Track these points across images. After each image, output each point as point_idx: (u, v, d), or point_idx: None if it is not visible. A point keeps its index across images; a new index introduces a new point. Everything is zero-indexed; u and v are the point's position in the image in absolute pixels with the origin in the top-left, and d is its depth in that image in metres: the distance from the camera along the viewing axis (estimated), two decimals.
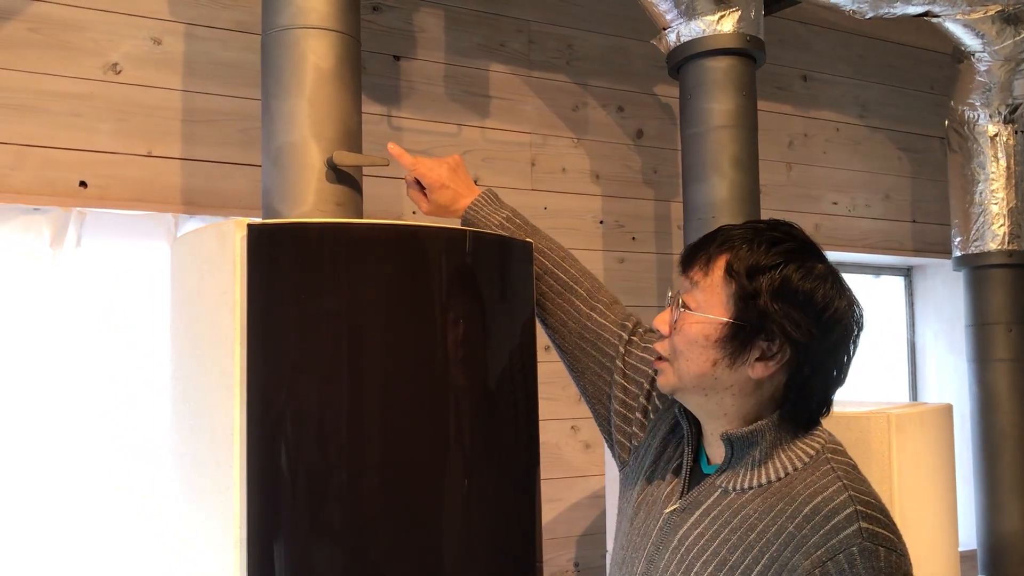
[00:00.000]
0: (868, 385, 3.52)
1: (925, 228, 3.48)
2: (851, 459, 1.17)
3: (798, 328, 1.11)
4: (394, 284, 1.35)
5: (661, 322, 1.21)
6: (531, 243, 1.52)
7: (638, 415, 1.40)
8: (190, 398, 1.42)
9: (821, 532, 1.05)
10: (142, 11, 2.12)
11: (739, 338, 1.14)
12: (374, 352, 1.33)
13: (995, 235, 2.94)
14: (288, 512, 1.29)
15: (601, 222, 2.74)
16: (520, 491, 1.50)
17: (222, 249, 1.33)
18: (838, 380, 1.18)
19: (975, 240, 2.98)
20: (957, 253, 3.04)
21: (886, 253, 3.37)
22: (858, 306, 1.17)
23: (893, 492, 1.81)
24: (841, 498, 1.07)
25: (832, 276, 1.16)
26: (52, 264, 1.98)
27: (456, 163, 1.59)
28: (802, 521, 1.07)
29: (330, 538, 1.29)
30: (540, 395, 1.59)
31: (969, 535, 3.08)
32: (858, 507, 1.06)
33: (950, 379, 3.53)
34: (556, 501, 2.53)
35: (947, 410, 2.16)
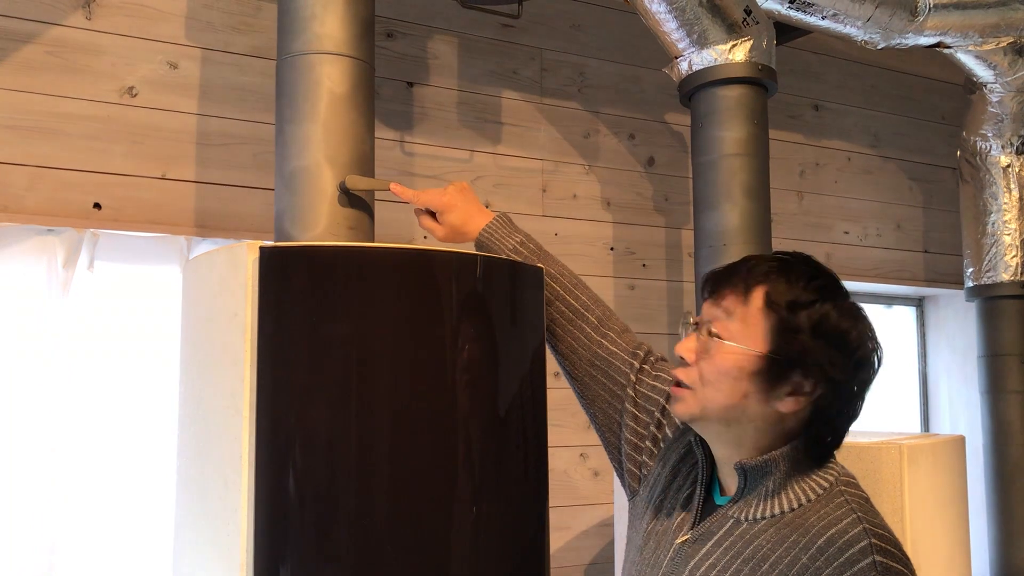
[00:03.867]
0: (879, 416, 3.49)
1: (937, 258, 3.47)
2: (864, 492, 1.16)
3: (833, 366, 1.11)
4: (405, 308, 1.35)
5: (686, 350, 1.19)
6: (542, 268, 1.52)
7: (648, 444, 1.39)
8: (199, 420, 1.42)
9: (835, 564, 1.04)
10: (159, 36, 2.14)
11: (774, 372, 1.12)
12: (384, 376, 1.33)
13: (1007, 266, 2.93)
14: (295, 537, 1.28)
15: (612, 249, 2.74)
16: (529, 518, 1.49)
17: (234, 272, 1.34)
18: (856, 417, 1.18)
19: (987, 271, 2.97)
20: (969, 284, 3.03)
21: (898, 283, 3.36)
22: (881, 345, 1.17)
23: (905, 524, 1.80)
24: (855, 531, 1.06)
25: (862, 315, 1.16)
26: (65, 285, 1.99)
27: (463, 186, 1.60)
28: (816, 553, 1.06)
29: (337, 564, 1.28)
30: (549, 422, 1.58)
31: (982, 568, 3.04)
32: (872, 540, 1.05)
33: (962, 410, 3.50)
34: (564, 529, 2.51)
35: (960, 442, 2.14)
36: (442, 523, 1.35)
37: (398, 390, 1.34)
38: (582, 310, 1.50)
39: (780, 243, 2.92)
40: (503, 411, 1.44)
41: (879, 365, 1.17)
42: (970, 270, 3.03)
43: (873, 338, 1.15)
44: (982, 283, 2.98)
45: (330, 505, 1.29)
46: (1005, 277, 2.93)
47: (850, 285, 3.28)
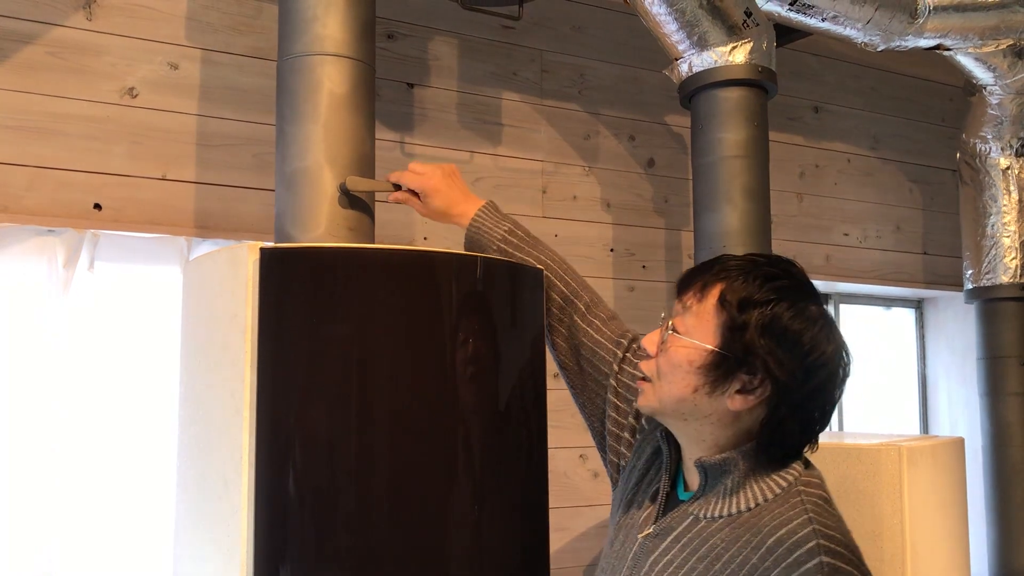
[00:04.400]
0: (879, 418, 3.49)
1: (936, 260, 3.47)
2: (826, 492, 1.15)
3: (781, 367, 1.11)
4: (404, 309, 1.35)
5: (649, 342, 1.22)
6: (541, 271, 1.53)
7: (627, 434, 1.40)
8: (199, 420, 1.42)
9: (783, 565, 1.04)
10: (159, 36, 2.14)
11: (722, 368, 1.13)
12: (384, 377, 1.33)
13: (1007, 268, 2.93)
14: (295, 536, 1.28)
15: (612, 250, 2.74)
16: (529, 519, 1.50)
17: (234, 272, 1.34)
18: (819, 422, 1.17)
19: (987, 273, 2.97)
20: (969, 286, 3.03)
21: (897, 285, 3.36)
22: (846, 352, 1.16)
23: (905, 525, 1.80)
24: (805, 531, 1.06)
25: (823, 319, 1.15)
26: (65, 285, 1.99)
27: (450, 170, 1.61)
28: (765, 553, 1.06)
29: (337, 563, 1.28)
30: (549, 423, 1.58)
31: (981, 570, 3.04)
32: (821, 541, 1.04)
33: (962, 412, 3.50)
34: (563, 530, 2.51)
35: (959, 443, 2.14)
36: (442, 523, 1.35)
37: (398, 391, 1.34)
38: (571, 296, 1.51)
39: (780, 245, 2.92)
40: (503, 411, 1.44)
41: (842, 372, 1.15)
42: (970, 272, 3.04)
43: (833, 343, 1.14)
44: (981, 285, 2.98)
45: (330, 505, 1.29)
46: (1004, 279, 2.93)
47: (849, 286, 3.32)
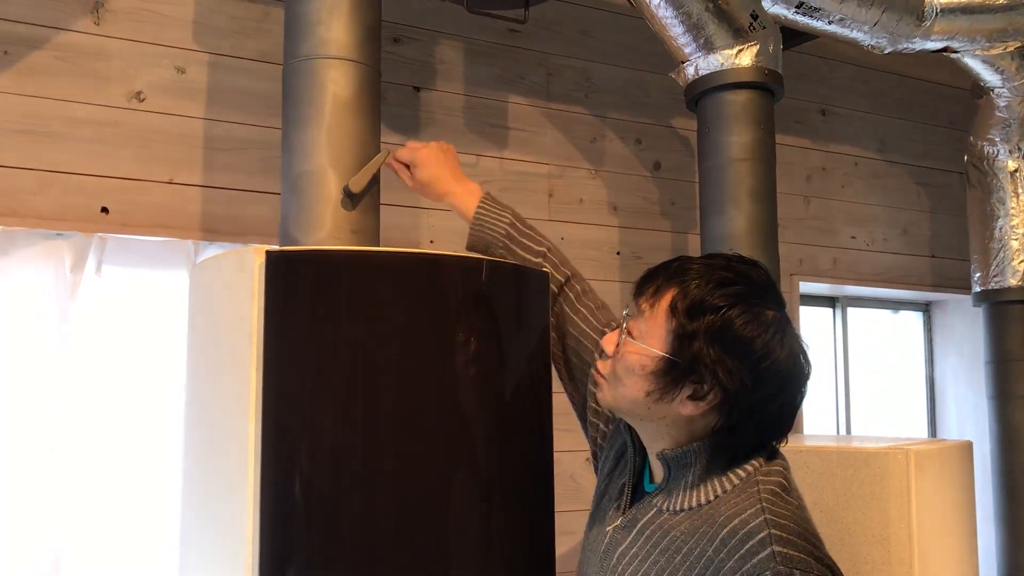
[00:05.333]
0: (886, 421, 3.48)
1: (944, 263, 3.46)
2: (786, 481, 1.14)
3: (730, 375, 1.09)
4: (410, 312, 1.35)
5: (608, 342, 1.22)
6: (547, 273, 1.52)
7: (602, 424, 1.42)
8: (205, 423, 1.43)
9: (736, 556, 1.03)
10: (167, 41, 2.15)
11: (671, 374, 1.13)
12: (389, 380, 1.33)
13: (1015, 271, 2.92)
14: (301, 541, 1.28)
15: (618, 253, 2.73)
16: (536, 522, 1.49)
17: (240, 275, 1.34)
18: (775, 428, 1.16)
19: (995, 276, 2.96)
20: (977, 289, 3.02)
21: (904, 288, 3.35)
22: (802, 358, 1.14)
23: (912, 530, 1.79)
24: (756, 522, 1.05)
25: (778, 325, 1.12)
26: (73, 289, 2.00)
27: (444, 148, 1.62)
28: (719, 545, 1.06)
29: (343, 567, 1.28)
30: (555, 426, 1.58)
31: (990, 575, 3.03)
32: (772, 531, 1.03)
33: (970, 416, 3.49)
34: (570, 534, 2.51)
35: (967, 447, 2.13)
36: (449, 527, 1.35)
37: (404, 394, 1.34)
38: (564, 286, 1.53)
39: (787, 248, 2.92)
40: (509, 415, 1.44)
41: (798, 380, 1.14)
42: (977, 275, 3.02)
43: (786, 349, 1.12)
44: (989, 288, 2.97)
45: (336, 509, 1.29)
46: (1013, 282, 2.92)
47: (857, 289, 3.30)
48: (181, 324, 1.64)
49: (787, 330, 1.14)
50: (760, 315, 1.11)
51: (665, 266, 1.20)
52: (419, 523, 1.32)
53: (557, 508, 1.58)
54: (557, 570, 1.55)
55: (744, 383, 1.10)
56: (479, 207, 1.57)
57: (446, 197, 1.60)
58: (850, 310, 3.49)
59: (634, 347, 1.16)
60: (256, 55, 2.25)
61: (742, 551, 1.03)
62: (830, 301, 3.46)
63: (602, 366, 1.23)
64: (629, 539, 1.18)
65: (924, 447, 1.89)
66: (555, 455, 1.58)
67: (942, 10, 2.53)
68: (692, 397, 1.12)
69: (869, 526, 1.81)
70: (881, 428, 3.40)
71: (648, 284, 1.20)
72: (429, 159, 1.60)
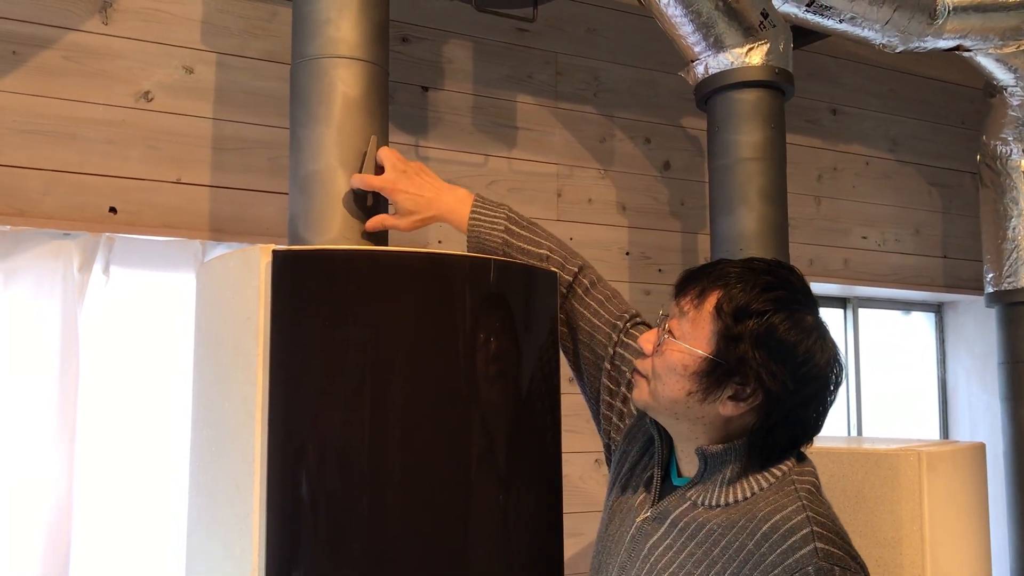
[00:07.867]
0: (898, 423, 3.46)
1: (956, 264, 3.43)
2: (817, 482, 1.19)
3: (773, 378, 1.13)
4: (418, 312, 1.35)
5: (646, 341, 1.24)
6: (555, 273, 1.52)
7: (615, 419, 1.44)
8: (212, 423, 1.42)
9: (778, 551, 1.07)
10: (175, 41, 2.14)
11: (715, 375, 1.15)
12: (397, 380, 1.32)
13: None
14: (308, 541, 1.27)
15: (627, 253, 2.72)
16: (544, 524, 1.48)
17: (247, 275, 1.33)
18: (810, 428, 1.19)
19: (1008, 276, 2.94)
20: (989, 289, 3.00)
21: (916, 288, 3.33)
22: (838, 363, 1.18)
23: (925, 531, 1.77)
24: (799, 518, 1.09)
25: (818, 330, 1.16)
26: (80, 289, 1.99)
27: (417, 168, 1.55)
28: (760, 539, 1.09)
29: (351, 568, 1.28)
30: (563, 428, 1.57)
31: None
32: (814, 528, 1.08)
33: (982, 417, 3.46)
34: (578, 536, 2.50)
35: (980, 448, 2.11)
36: (457, 528, 1.34)
37: (412, 394, 1.33)
38: (572, 283, 1.52)
39: (797, 248, 2.90)
40: (517, 416, 1.43)
41: (834, 380, 1.17)
42: (990, 275, 3.00)
43: (826, 354, 1.15)
44: (1002, 289, 2.95)
45: (343, 510, 1.28)
46: None
47: (868, 290, 3.28)
48: (189, 324, 1.64)
49: (827, 335, 1.18)
50: (801, 320, 1.15)
51: (706, 270, 1.22)
52: (427, 524, 1.31)
53: (564, 510, 1.57)
54: (565, 572, 1.54)
55: (786, 386, 1.13)
56: (471, 218, 1.52)
57: (447, 216, 1.53)
58: (861, 311, 3.47)
59: (677, 347, 1.18)
60: (264, 55, 2.24)
61: (784, 546, 1.07)
62: (841, 302, 3.44)
63: (642, 365, 1.24)
64: (662, 530, 1.20)
65: (936, 448, 1.87)
66: (563, 457, 1.57)
67: (954, 8, 2.51)
68: (733, 398, 1.15)
69: (881, 528, 1.79)
70: (893, 430, 3.38)
71: (691, 285, 1.21)
72: (397, 187, 1.52)
